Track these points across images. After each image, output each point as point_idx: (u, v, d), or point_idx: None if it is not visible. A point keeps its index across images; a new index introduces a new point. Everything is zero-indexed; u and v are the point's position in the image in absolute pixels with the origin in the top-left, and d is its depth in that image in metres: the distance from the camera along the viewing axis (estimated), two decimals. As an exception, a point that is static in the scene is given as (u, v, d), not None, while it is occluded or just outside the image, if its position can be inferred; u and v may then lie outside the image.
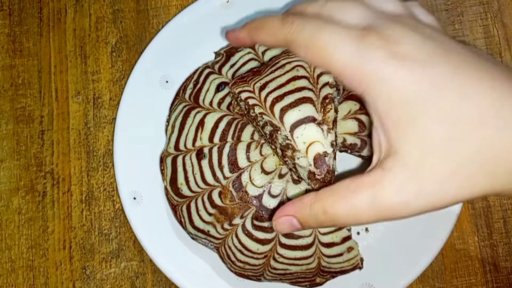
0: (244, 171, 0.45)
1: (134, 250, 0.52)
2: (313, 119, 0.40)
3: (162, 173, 0.48)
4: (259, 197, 0.44)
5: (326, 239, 0.44)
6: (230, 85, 0.44)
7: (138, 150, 0.50)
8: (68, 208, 0.53)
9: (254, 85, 0.43)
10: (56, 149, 0.54)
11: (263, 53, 0.49)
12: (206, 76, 0.49)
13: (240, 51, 0.49)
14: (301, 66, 0.43)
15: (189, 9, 0.52)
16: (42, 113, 0.55)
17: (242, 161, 0.45)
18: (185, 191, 0.46)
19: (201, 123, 0.46)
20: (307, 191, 0.44)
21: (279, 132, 0.41)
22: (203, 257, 0.48)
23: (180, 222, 0.47)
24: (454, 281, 0.51)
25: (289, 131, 0.40)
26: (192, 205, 0.46)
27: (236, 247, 0.45)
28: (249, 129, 0.45)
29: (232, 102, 0.46)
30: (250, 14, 0.52)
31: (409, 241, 0.48)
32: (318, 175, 0.40)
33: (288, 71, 0.42)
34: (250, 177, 0.44)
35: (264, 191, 0.44)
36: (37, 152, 0.54)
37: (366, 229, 0.49)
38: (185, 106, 0.48)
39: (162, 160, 0.49)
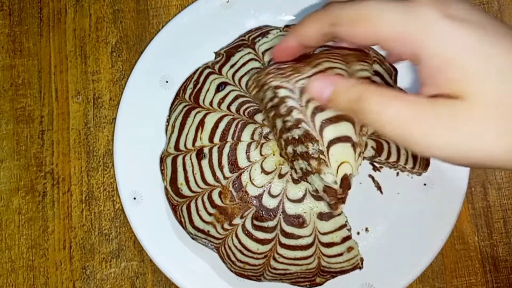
0: (244, 171, 0.45)
1: (134, 250, 0.52)
2: (350, 140, 0.38)
3: (162, 173, 0.48)
4: (259, 197, 0.44)
5: (326, 239, 0.44)
6: (264, 72, 0.39)
7: (138, 150, 0.50)
8: (68, 208, 0.53)
9: (295, 83, 0.38)
10: (56, 149, 0.54)
11: (263, 53, 0.49)
12: (206, 76, 0.49)
13: (240, 51, 0.49)
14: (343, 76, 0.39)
15: (189, 9, 0.52)
16: (42, 113, 0.55)
17: (242, 161, 0.45)
18: (185, 191, 0.46)
19: (201, 123, 0.46)
20: (307, 192, 0.44)
21: (313, 144, 0.38)
22: (203, 257, 0.48)
23: (180, 222, 0.47)
24: (454, 281, 0.51)
25: (326, 147, 0.38)
26: (192, 205, 0.46)
27: (236, 247, 0.45)
28: (249, 129, 0.45)
29: (251, 84, 0.41)
30: (250, 14, 0.52)
31: (409, 241, 0.48)
32: (339, 194, 0.39)
33: None
34: (250, 177, 0.44)
35: (264, 191, 0.44)
36: (37, 152, 0.54)
37: (366, 229, 0.49)
38: (185, 106, 0.48)
39: (162, 160, 0.49)
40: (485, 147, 0.28)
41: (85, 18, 0.56)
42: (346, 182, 0.38)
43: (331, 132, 0.38)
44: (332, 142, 0.38)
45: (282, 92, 0.38)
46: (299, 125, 0.38)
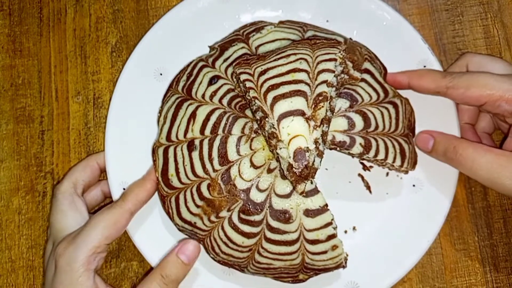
0: (233, 165, 0.45)
1: (134, 250, 0.52)
2: (302, 113, 0.42)
3: (154, 164, 0.48)
4: (247, 191, 0.44)
5: (311, 235, 0.44)
6: (234, 64, 0.46)
7: (130, 141, 0.50)
8: (68, 208, 0.53)
9: (255, 69, 0.44)
10: (56, 149, 0.54)
11: (257, 48, 0.49)
12: (200, 69, 0.49)
13: (234, 45, 0.49)
14: (305, 60, 0.43)
15: (186, 2, 0.52)
16: (42, 113, 0.55)
17: (232, 154, 0.45)
18: (175, 182, 0.46)
19: (193, 115, 0.46)
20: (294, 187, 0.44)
21: (267, 119, 0.42)
22: None
23: (168, 213, 0.47)
24: (454, 281, 0.51)
25: (276, 120, 0.41)
26: (181, 196, 0.46)
27: (221, 239, 0.45)
28: (239, 123, 0.46)
29: (234, 80, 0.47)
30: (247, 10, 0.52)
31: (396, 242, 0.48)
32: (295, 168, 0.41)
33: (291, 62, 0.44)
34: (239, 171, 0.44)
35: (252, 185, 0.44)
36: (37, 152, 0.54)
37: (354, 228, 0.49)
38: (177, 98, 0.48)
39: (154, 151, 0.48)
40: None
41: (85, 18, 0.57)
42: (299, 156, 0.40)
43: (281, 106, 0.42)
44: (282, 116, 0.42)
45: (243, 77, 0.44)
46: (255, 103, 0.42)
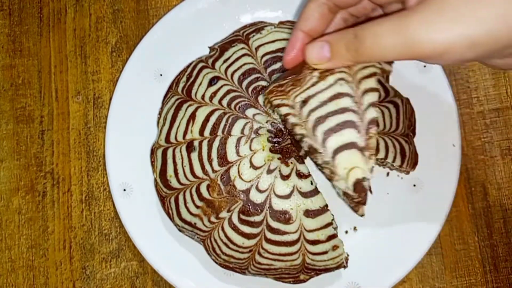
0: (233, 165, 0.45)
1: (134, 250, 0.52)
2: (355, 146, 0.38)
3: (152, 165, 0.48)
4: (247, 192, 0.44)
5: (311, 236, 0.44)
6: (265, 91, 0.41)
7: (130, 142, 0.50)
8: (68, 208, 0.53)
9: (294, 98, 0.40)
10: (56, 149, 0.54)
11: (257, 49, 0.49)
12: (200, 70, 0.49)
13: (234, 46, 0.49)
14: (344, 79, 0.39)
15: (186, 3, 0.52)
16: (42, 113, 0.55)
17: (231, 155, 0.45)
18: (174, 183, 0.46)
19: (193, 116, 0.47)
20: (294, 189, 0.44)
21: (318, 155, 0.39)
22: (191, 250, 0.49)
23: (168, 214, 0.48)
24: (454, 281, 0.51)
25: (331, 157, 0.38)
26: (180, 197, 0.46)
27: (221, 240, 0.45)
28: (239, 124, 0.46)
29: (265, 102, 0.45)
30: (246, 10, 0.53)
31: (397, 242, 0.48)
32: (355, 198, 0.39)
33: (331, 85, 0.39)
34: (238, 171, 0.44)
35: (252, 185, 0.44)
36: (37, 152, 0.54)
37: (355, 228, 0.50)
38: (177, 99, 0.49)
39: (152, 152, 0.49)
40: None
41: (85, 18, 0.56)
42: (359, 186, 0.38)
43: (333, 141, 0.38)
44: (337, 151, 0.38)
45: (283, 110, 0.40)
46: (303, 140, 0.39)
